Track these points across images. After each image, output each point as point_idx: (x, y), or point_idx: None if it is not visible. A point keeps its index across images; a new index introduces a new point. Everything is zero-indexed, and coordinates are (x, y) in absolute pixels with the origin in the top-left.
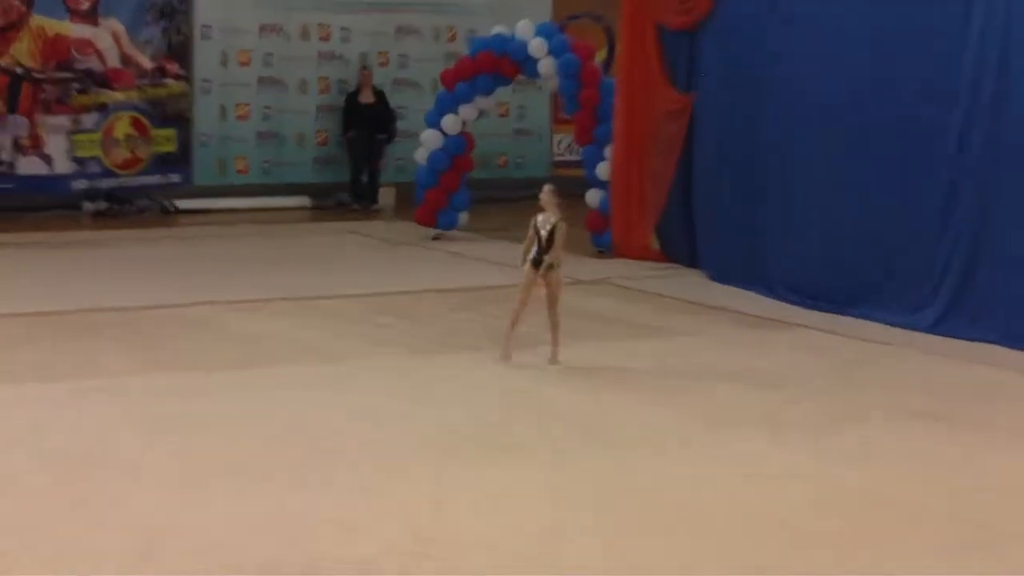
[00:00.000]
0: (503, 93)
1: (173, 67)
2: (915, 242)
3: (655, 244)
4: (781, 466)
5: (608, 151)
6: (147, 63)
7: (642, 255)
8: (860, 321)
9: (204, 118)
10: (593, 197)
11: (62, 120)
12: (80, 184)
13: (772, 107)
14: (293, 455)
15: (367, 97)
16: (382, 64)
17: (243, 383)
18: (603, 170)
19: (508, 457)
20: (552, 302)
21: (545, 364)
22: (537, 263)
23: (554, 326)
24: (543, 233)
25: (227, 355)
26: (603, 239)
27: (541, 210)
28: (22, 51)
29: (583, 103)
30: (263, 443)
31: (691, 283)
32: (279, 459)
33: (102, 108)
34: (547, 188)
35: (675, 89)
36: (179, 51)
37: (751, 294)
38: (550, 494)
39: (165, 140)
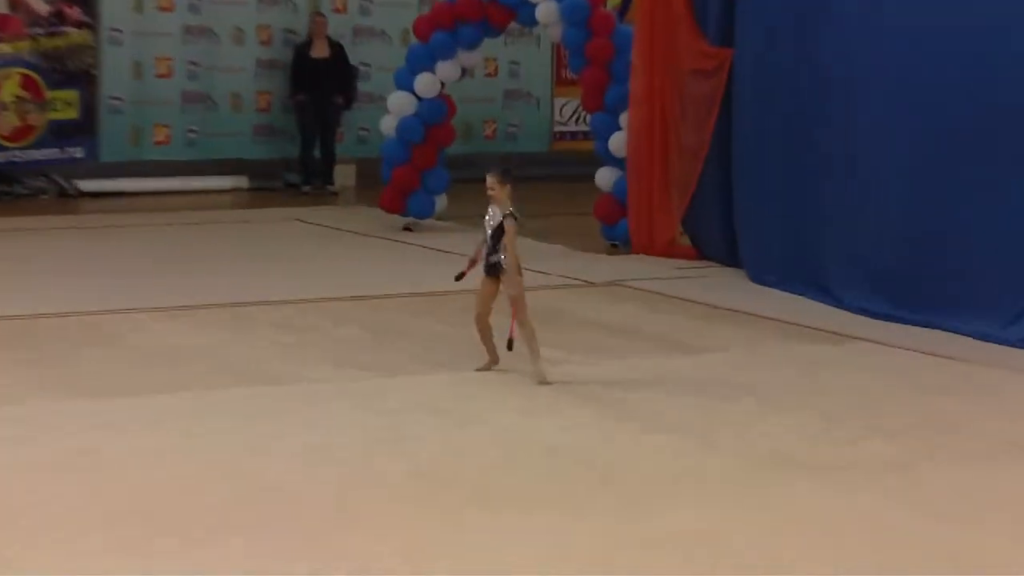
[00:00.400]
0: (491, 46)
1: (74, 12)
2: (1008, 240)
3: (683, 237)
4: (846, 518)
5: (624, 119)
6: (41, 6)
7: (667, 251)
8: (941, 334)
9: (114, 77)
10: (605, 177)
11: None
12: None
13: (834, 66)
14: (220, 504)
15: (320, 51)
16: (338, 10)
17: (162, 411)
18: (617, 143)
19: (499, 510)
20: (518, 310)
21: (545, 389)
22: (492, 269)
23: (528, 338)
24: (488, 231)
25: (143, 376)
26: (617, 231)
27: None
28: None
29: (592, 58)
30: (182, 489)
31: (728, 286)
32: (201, 509)
33: None
34: (491, 175)
35: (708, 41)
36: None
37: (804, 300)
38: (552, 556)
39: (64, 104)
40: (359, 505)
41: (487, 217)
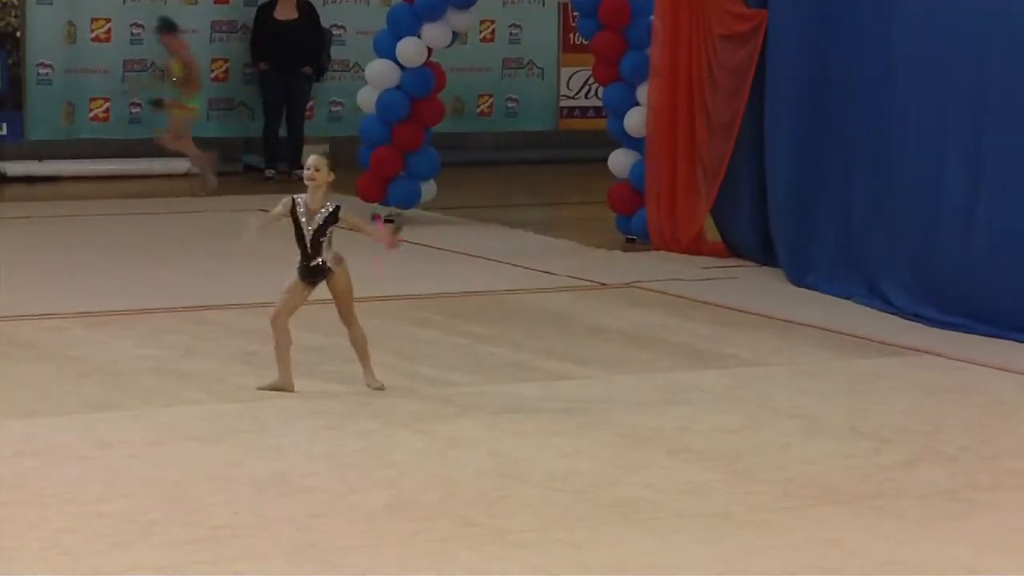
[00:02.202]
0: (488, 6)
1: None
2: None
3: (711, 231)
4: (896, 555)
5: (643, 93)
6: None
7: (692, 247)
8: (1004, 344)
9: (42, 40)
10: (620, 161)
11: None
12: None
13: (894, 27)
14: (168, 543)
15: (287, 11)
16: None
17: (102, 434)
18: (635, 121)
19: (491, 548)
20: (345, 315)
21: (548, 407)
22: (313, 273)
23: (355, 342)
24: (310, 228)
25: (78, 392)
26: (634, 223)
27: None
28: None
29: (605, 20)
30: (124, 524)
31: (763, 288)
32: (146, 548)
33: None
34: (317, 157)
35: (742, 1)
36: None
37: (850, 304)
38: None
39: None
40: (330, 543)
41: (298, 205)
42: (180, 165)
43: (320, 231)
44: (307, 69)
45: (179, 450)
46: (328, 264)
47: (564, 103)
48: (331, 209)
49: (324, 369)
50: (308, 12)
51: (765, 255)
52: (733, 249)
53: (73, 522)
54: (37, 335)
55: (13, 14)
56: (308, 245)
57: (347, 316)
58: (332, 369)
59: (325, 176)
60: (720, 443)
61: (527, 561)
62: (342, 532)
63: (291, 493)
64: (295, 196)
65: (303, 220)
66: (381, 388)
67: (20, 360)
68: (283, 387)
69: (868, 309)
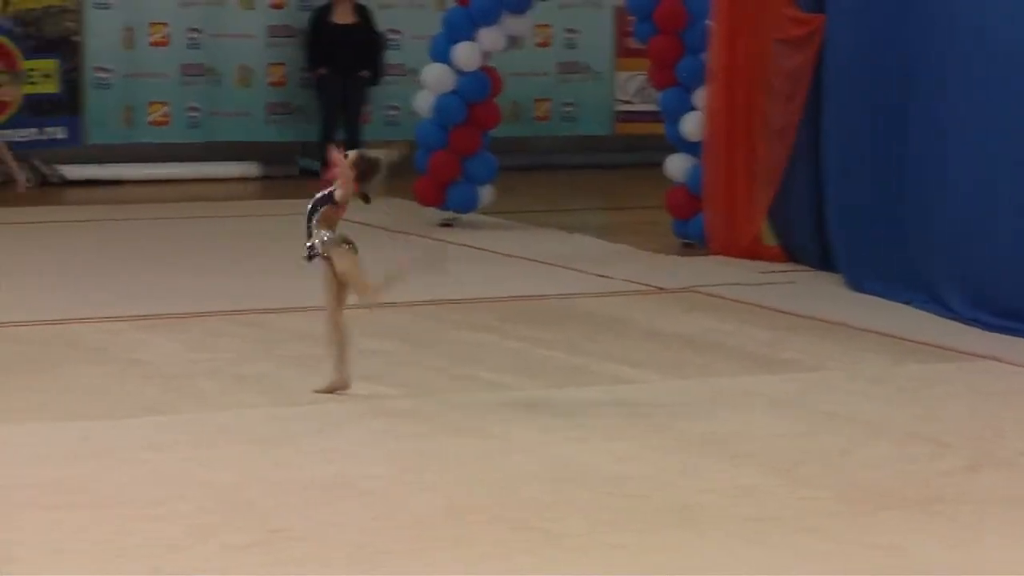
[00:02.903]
0: (544, 10)
1: None
2: None
3: (768, 236)
4: (956, 562)
5: (699, 97)
6: None
7: (750, 251)
8: None
9: (100, 45)
10: (677, 165)
11: None
12: None
13: (949, 31)
14: (224, 547)
15: (344, 16)
16: None
17: (160, 437)
18: (691, 125)
19: (548, 553)
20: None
21: (605, 412)
22: (311, 254)
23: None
24: (308, 205)
25: (135, 395)
26: (692, 227)
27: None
28: None
29: (661, 24)
30: (180, 528)
31: (821, 292)
32: (203, 552)
33: None
34: (355, 153)
35: (798, 6)
36: None
37: (907, 308)
38: None
39: (43, 77)
40: (387, 546)
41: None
42: (236, 169)
43: (312, 209)
44: (364, 73)
45: (236, 453)
46: (316, 248)
47: (620, 107)
48: (326, 192)
49: (382, 373)
50: (365, 16)
51: (823, 260)
52: (791, 253)
53: (130, 525)
54: (95, 338)
55: (71, 19)
56: (306, 221)
57: (331, 308)
58: (390, 373)
59: (347, 167)
60: (777, 448)
61: (583, 565)
62: (399, 536)
63: (348, 496)
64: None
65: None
66: (323, 392)
67: (78, 362)
68: (340, 387)
69: (926, 314)
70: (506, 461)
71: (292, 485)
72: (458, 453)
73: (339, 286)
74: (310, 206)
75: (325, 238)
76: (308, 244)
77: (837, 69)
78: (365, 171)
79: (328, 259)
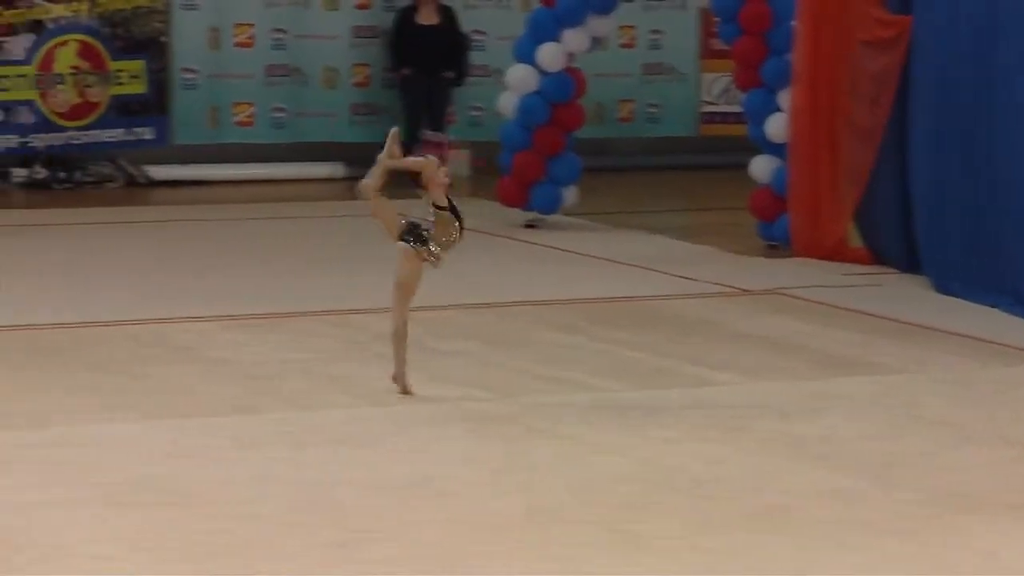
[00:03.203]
0: (628, 11)
1: None
2: None
3: (854, 238)
4: None
5: (784, 99)
6: None
7: (835, 253)
8: None
9: (187, 45)
10: (761, 167)
11: None
12: (6, 142)
13: None
14: (309, 546)
15: (428, 17)
16: None
17: (248, 436)
18: (776, 127)
19: (635, 556)
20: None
21: (692, 415)
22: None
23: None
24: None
25: (224, 394)
26: (776, 229)
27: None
28: None
29: (746, 25)
30: (268, 527)
31: (907, 295)
32: (289, 551)
33: (36, 29)
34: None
35: (885, 7)
36: None
37: (994, 312)
38: None
39: (130, 78)
40: (471, 547)
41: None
42: (322, 169)
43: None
44: (448, 74)
45: (323, 453)
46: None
47: (705, 109)
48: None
49: (466, 374)
50: (449, 17)
51: (909, 262)
52: (876, 256)
53: (219, 523)
54: (184, 338)
55: (158, 19)
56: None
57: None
58: (475, 374)
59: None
60: (864, 451)
61: (669, 568)
62: (482, 538)
63: (433, 497)
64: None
65: None
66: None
67: (168, 362)
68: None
69: (1014, 317)
70: (591, 463)
71: (377, 485)
72: (542, 455)
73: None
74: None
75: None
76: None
77: (924, 70)
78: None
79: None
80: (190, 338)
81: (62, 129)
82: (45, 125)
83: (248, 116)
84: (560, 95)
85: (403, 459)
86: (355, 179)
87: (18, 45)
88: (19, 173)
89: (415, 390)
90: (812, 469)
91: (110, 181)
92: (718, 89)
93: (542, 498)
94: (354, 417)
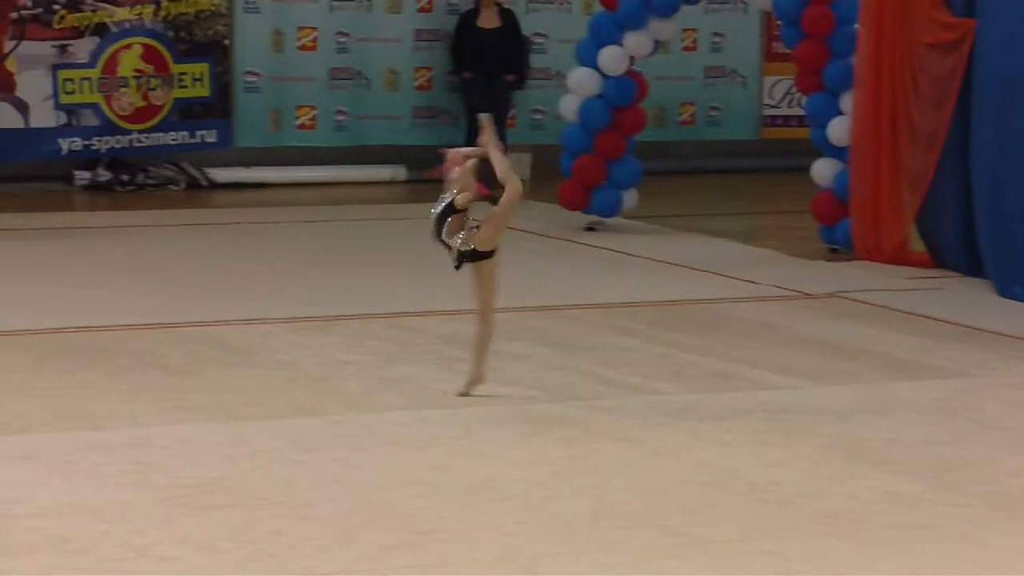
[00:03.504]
0: (690, 14)
1: None
2: None
3: (915, 241)
4: None
5: (846, 102)
6: None
7: (897, 257)
8: None
9: (250, 48)
10: (823, 170)
11: (42, 49)
12: (70, 144)
13: None
14: (373, 548)
15: (489, 20)
16: None
17: (309, 438)
18: (838, 130)
19: (696, 559)
20: (478, 307)
21: (752, 419)
22: (466, 257)
23: (475, 337)
24: (433, 210)
25: (284, 396)
26: (838, 233)
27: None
28: None
29: (809, 28)
30: (333, 529)
31: (969, 299)
32: (353, 553)
33: (100, 32)
34: (473, 161)
35: (948, 10)
36: None
37: None
38: None
39: (193, 81)
40: (533, 550)
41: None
42: (383, 172)
43: (440, 221)
44: (509, 77)
45: (383, 455)
46: (458, 252)
47: (766, 112)
48: (448, 199)
49: (529, 376)
50: (510, 20)
51: (970, 266)
52: (938, 259)
53: (280, 525)
54: (244, 339)
55: (221, 23)
56: (434, 223)
57: (480, 310)
58: (537, 376)
59: (467, 173)
60: (926, 455)
61: (731, 572)
62: (545, 539)
63: (495, 499)
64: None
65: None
66: (463, 395)
67: (228, 364)
68: (478, 382)
69: None
70: (653, 466)
71: (439, 487)
72: (605, 457)
73: (476, 290)
74: (436, 218)
75: (459, 240)
76: (453, 257)
77: (987, 73)
78: (488, 176)
79: (474, 259)
80: (250, 340)
81: (125, 132)
82: (109, 128)
83: (310, 119)
84: (621, 98)
85: (464, 462)
86: (417, 183)
87: (83, 48)
88: (82, 176)
89: (477, 391)
90: (873, 473)
91: (172, 184)
92: (780, 92)
93: (603, 501)
94: (414, 419)
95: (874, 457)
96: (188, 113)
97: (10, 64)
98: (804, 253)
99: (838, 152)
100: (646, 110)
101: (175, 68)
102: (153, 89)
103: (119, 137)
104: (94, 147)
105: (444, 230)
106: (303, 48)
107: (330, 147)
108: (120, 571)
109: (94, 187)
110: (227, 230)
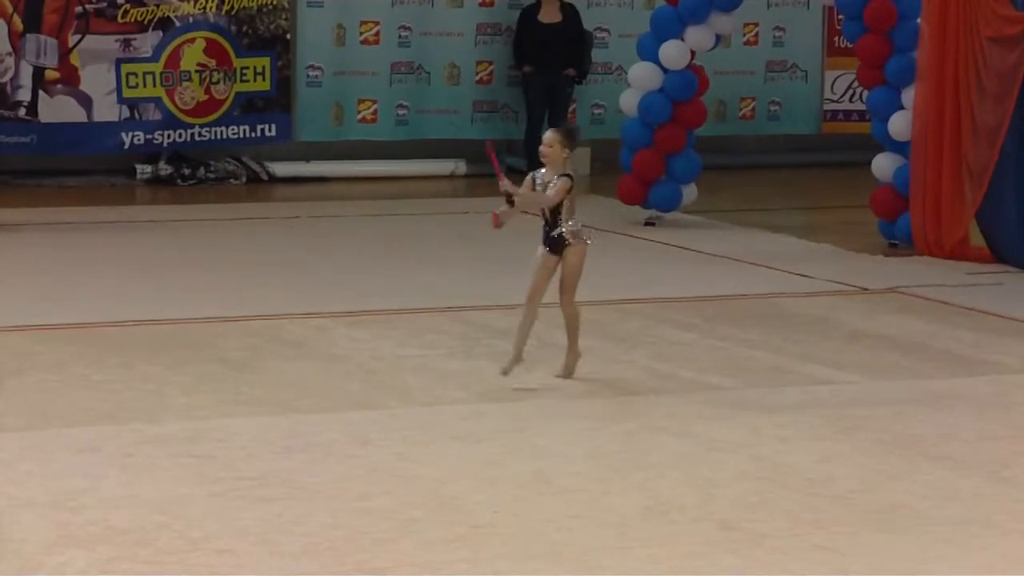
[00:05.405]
0: (751, 8)
1: None
2: None
3: (975, 237)
4: None
5: (908, 96)
6: None
7: (957, 252)
8: None
9: (312, 42)
10: (884, 165)
11: (106, 43)
12: (132, 138)
13: None
14: (431, 540)
15: (551, 15)
16: None
17: (366, 431)
18: (900, 125)
19: (752, 554)
20: (566, 289)
21: (807, 413)
22: (555, 243)
23: (568, 319)
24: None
25: (342, 389)
26: (898, 227)
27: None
28: None
29: (871, 23)
30: (390, 521)
31: None
32: (411, 545)
33: (164, 26)
34: (554, 132)
35: (1011, 4)
36: None
37: None
38: None
39: (255, 75)
40: (588, 544)
41: (536, 181)
42: (444, 166)
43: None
44: (570, 71)
45: (440, 449)
46: (566, 237)
47: (828, 106)
48: (556, 181)
49: (585, 371)
50: (571, 14)
51: None
52: (998, 255)
53: (337, 518)
54: (302, 333)
55: (284, 16)
56: (549, 218)
57: (567, 292)
58: (593, 370)
59: (559, 152)
60: (984, 451)
61: (786, 567)
62: (600, 533)
63: (550, 493)
64: (534, 172)
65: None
66: (566, 377)
67: (287, 358)
68: (515, 362)
69: None
70: (709, 460)
71: (495, 481)
72: (661, 452)
73: (567, 274)
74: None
75: (567, 227)
76: (560, 231)
77: None
78: (571, 142)
79: (568, 246)
80: (308, 333)
81: (187, 126)
82: (171, 122)
83: (372, 113)
84: (682, 93)
85: (520, 455)
86: (478, 177)
87: (146, 42)
88: (144, 169)
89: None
90: (930, 468)
91: (233, 178)
92: (841, 87)
93: (658, 495)
94: (471, 413)
95: (931, 452)
96: (250, 107)
97: (74, 59)
98: (864, 248)
99: (899, 147)
100: (706, 104)
101: (237, 62)
102: (216, 83)
103: (181, 131)
104: (156, 141)
105: (562, 213)
106: (365, 42)
107: (391, 141)
108: (177, 564)
109: (155, 181)
110: (287, 224)
